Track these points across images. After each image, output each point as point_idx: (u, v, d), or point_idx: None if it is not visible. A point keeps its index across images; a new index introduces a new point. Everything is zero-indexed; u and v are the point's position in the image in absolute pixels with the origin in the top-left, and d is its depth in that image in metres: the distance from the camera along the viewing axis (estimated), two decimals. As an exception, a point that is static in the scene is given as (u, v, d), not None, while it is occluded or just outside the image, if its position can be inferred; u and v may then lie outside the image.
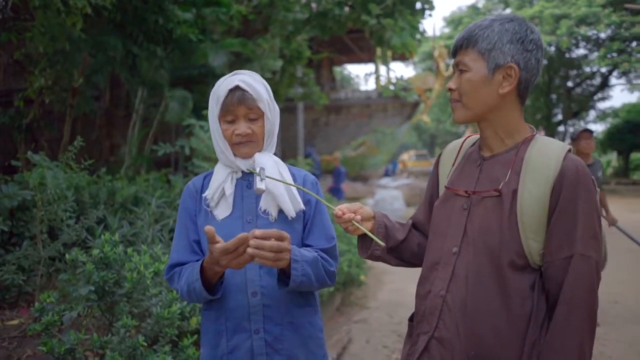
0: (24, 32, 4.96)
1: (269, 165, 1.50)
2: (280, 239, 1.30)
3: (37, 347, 2.27)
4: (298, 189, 1.52)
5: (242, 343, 1.46)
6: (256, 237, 1.27)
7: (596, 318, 1.22)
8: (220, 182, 1.52)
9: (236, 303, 1.47)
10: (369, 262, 6.52)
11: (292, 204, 1.50)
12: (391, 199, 13.47)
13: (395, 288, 6.23)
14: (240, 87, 1.47)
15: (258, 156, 1.52)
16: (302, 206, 1.53)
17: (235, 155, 1.52)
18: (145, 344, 2.24)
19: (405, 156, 33.71)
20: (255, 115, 1.50)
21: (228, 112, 1.48)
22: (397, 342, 4.31)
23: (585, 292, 1.19)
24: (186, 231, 1.55)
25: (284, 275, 1.44)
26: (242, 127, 1.48)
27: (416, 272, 1.56)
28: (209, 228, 1.28)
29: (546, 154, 1.26)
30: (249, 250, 1.27)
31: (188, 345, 2.39)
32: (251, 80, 1.50)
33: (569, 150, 1.27)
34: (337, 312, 5.16)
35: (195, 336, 2.44)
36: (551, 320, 1.22)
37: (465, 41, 1.31)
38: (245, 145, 1.50)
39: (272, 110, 1.54)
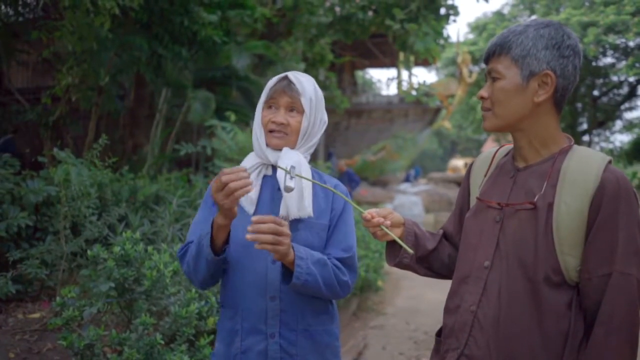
0: (53, 31, 5.06)
1: (294, 161, 1.49)
2: (277, 223, 1.31)
3: (57, 341, 2.30)
4: (330, 191, 1.51)
5: (255, 345, 1.46)
6: (253, 222, 1.30)
7: (637, 340, 1.16)
8: (248, 168, 1.51)
9: (254, 305, 1.47)
10: (387, 267, 6.48)
11: (308, 206, 1.48)
12: (410, 204, 13.38)
13: (413, 294, 6.17)
14: (288, 77, 1.53)
15: (286, 150, 1.52)
16: (311, 213, 1.49)
17: (267, 145, 1.53)
18: (162, 342, 2.26)
19: (459, 162, 25.95)
20: (295, 108, 1.52)
21: (271, 99, 1.53)
22: (413, 349, 4.26)
23: (625, 312, 1.13)
24: (210, 217, 1.51)
25: (289, 274, 1.43)
26: (279, 116, 1.51)
27: (434, 280, 1.53)
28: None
29: (585, 165, 1.20)
30: (248, 236, 1.29)
31: (205, 345, 2.40)
32: (301, 77, 1.55)
33: (610, 162, 1.20)
34: (353, 317, 5.13)
35: (212, 336, 2.45)
36: (588, 341, 1.16)
37: (498, 47, 1.26)
38: (277, 137, 1.52)
39: (314, 112, 1.55)
